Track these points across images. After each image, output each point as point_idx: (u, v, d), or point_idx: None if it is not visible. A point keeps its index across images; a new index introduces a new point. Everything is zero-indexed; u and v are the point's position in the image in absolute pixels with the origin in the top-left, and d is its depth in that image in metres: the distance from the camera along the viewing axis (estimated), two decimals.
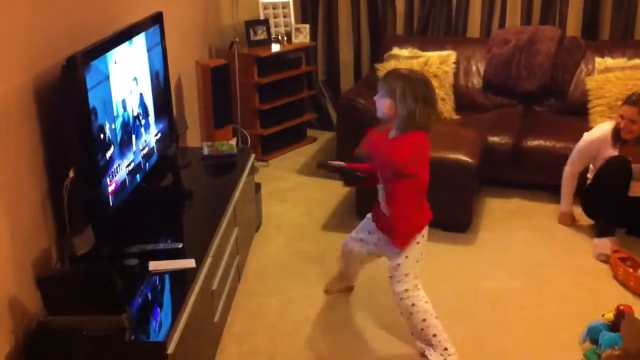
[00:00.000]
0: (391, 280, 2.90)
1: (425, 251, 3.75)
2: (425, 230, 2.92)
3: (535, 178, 4.39)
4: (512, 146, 4.40)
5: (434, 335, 2.85)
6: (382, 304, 3.31)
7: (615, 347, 2.77)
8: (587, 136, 4.00)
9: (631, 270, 3.42)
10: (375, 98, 2.79)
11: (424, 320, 2.84)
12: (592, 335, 2.94)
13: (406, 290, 2.85)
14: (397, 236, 2.87)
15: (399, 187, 2.81)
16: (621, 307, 2.92)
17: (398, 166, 2.73)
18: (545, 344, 3.01)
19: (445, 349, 2.85)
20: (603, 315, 2.99)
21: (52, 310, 2.33)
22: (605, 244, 3.75)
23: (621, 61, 4.63)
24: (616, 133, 3.84)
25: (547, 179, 4.26)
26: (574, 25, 5.07)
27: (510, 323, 3.17)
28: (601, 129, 3.96)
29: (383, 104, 2.73)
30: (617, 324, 2.87)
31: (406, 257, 2.86)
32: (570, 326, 3.09)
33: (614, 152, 3.84)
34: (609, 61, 4.65)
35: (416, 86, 2.69)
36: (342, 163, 3.11)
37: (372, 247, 3.06)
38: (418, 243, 2.88)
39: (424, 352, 2.91)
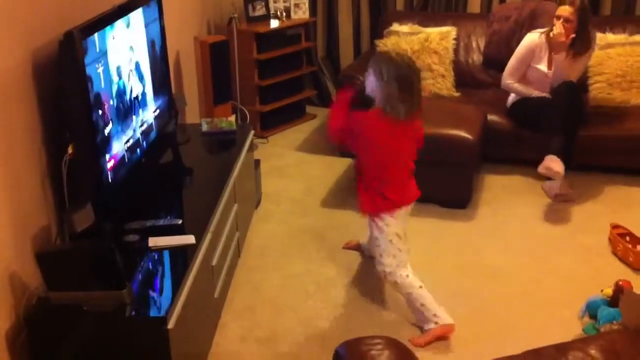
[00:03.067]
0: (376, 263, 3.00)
1: (425, 226, 3.78)
2: (407, 209, 2.95)
3: (535, 155, 4.37)
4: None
5: (422, 305, 2.91)
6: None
7: (614, 322, 2.78)
8: (526, 43, 4.33)
9: (630, 246, 3.42)
10: (365, 76, 2.89)
11: (410, 293, 2.92)
12: (591, 310, 2.95)
13: (383, 271, 2.94)
14: (360, 202, 2.97)
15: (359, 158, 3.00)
16: (620, 283, 2.93)
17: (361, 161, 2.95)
18: (544, 319, 3.02)
19: (435, 314, 2.90)
20: (602, 291, 3.00)
21: (52, 286, 2.33)
22: (553, 186, 4.05)
23: (622, 37, 4.60)
24: (550, 36, 4.19)
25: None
26: None
27: (510, 298, 3.18)
28: (535, 36, 4.31)
29: (369, 83, 2.83)
30: (616, 299, 2.88)
31: (381, 231, 2.91)
32: (569, 301, 3.10)
33: (545, 59, 4.24)
34: (610, 37, 4.62)
35: (400, 71, 2.76)
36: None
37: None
38: (393, 217, 2.90)
39: (423, 327, 2.95)
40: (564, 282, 3.30)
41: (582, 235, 3.72)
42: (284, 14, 5.28)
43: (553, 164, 3.85)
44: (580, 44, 4.15)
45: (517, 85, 4.36)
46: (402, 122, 2.79)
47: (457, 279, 3.34)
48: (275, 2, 5.30)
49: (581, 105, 4.23)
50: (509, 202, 4.11)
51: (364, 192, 2.94)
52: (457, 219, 3.90)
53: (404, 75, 2.76)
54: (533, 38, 4.31)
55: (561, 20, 4.08)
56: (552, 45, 4.19)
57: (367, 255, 3.49)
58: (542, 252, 3.56)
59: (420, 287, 2.92)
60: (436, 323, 2.89)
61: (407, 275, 2.92)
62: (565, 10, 4.07)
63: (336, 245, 3.63)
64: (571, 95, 4.11)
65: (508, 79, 4.40)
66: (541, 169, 3.91)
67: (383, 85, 2.75)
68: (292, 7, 5.33)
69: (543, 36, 4.26)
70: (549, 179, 4.09)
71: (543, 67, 4.26)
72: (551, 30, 4.16)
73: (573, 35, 4.09)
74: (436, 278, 3.33)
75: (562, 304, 3.12)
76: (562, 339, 2.38)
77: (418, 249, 3.54)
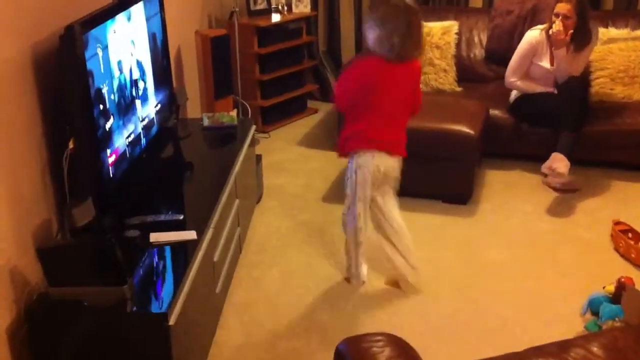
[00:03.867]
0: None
1: (426, 222, 3.78)
2: (382, 157, 2.99)
3: (536, 150, 4.37)
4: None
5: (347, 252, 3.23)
6: (383, 274, 3.31)
7: (616, 318, 2.78)
8: (526, 40, 4.33)
9: (632, 242, 3.41)
10: (364, 28, 2.94)
11: (347, 244, 3.22)
12: (593, 307, 2.95)
13: (343, 213, 3.17)
14: (338, 141, 3.10)
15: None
16: (622, 279, 2.93)
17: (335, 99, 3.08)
18: (546, 316, 3.02)
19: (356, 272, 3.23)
20: (604, 287, 3.00)
21: (53, 281, 2.33)
22: (555, 180, 4.07)
23: (624, 32, 4.58)
24: (549, 33, 4.18)
25: (548, 151, 4.24)
26: None
27: (511, 294, 3.18)
28: (535, 33, 4.31)
29: (370, 36, 2.87)
30: (618, 296, 2.88)
31: (349, 177, 3.04)
32: (571, 298, 3.10)
33: (547, 56, 4.24)
34: (612, 31, 4.60)
35: (400, 16, 2.80)
36: None
37: None
38: (360, 156, 3.00)
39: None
40: (565, 278, 3.30)
41: (583, 231, 3.71)
42: (286, 7, 5.27)
43: (558, 164, 3.86)
44: (581, 38, 4.16)
45: (520, 83, 4.36)
46: (399, 66, 2.87)
47: (458, 275, 3.33)
48: None
49: (588, 101, 4.25)
50: (510, 198, 4.10)
51: (342, 134, 3.07)
52: (458, 214, 3.89)
53: (402, 19, 2.80)
54: (534, 35, 4.30)
55: (560, 17, 4.08)
56: (552, 42, 4.18)
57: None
58: (543, 248, 3.56)
59: (361, 242, 3.14)
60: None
61: (360, 230, 3.12)
62: (563, 7, 4.08)
63: (336, 240, 3.62)
64: (581, 90, 4.14)
65: (511, 77, 4.38)
66: (544, 169, 3.92)
67: (383, 34, 2.80)
68: (293, 1, 5.32)
69: (543, 33, 4.25)
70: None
71: (545, 63, 4.25)
72: (550, 27, 4.15)
73: (571, 31, 4.09)
74: (437, 274, 3.33)
75: (563, 300, 3.11)
76: (564, 335, 2.37)
77: (419, 245, 3.53)
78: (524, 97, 4.35)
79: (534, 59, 4.30)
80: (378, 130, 2.97)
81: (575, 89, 4.14)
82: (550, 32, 4.13)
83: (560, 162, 3.86)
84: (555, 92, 4.24)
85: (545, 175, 4.11)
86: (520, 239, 3.66)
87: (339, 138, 3.09)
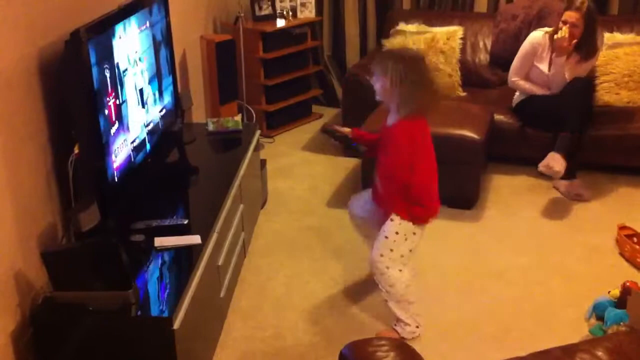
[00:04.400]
0: (373, 249, 2.84)
1: (432, 227, 3.76)
2: (423, 227, 2.85)
3: (542, 154, 4.36)
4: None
5: (398, 302, 2.82)
6: None
7: (621, 323, 2.77)
8: (529, 41, 4.33)
9: (638, 247, 3.40)
10: (372, 81, 2.76)
11: (392, 285, 2.79)
12: (598, 311, 2.94)
13: (381, 255, 2.78)
14: (391, 205, 2.78)
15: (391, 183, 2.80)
16: (627, 284, 2.92)
17: (398, 179, 2.74)
18: (550, 320, 3.01)
19: (403, 321, 2.85)
20: (609, 292, 3.00)
21: (58, 285, 2.33)
22: (566, 183, 4.11)
23: (630, 37, 4.58)
24: (553, 38, 4.16)
25: None
26: None
27: (516, 299, 3.17)
28: (539, 34, 4.31)
29: (380, 87, 2.71)
30: (623, 300, 2.87)
31: (396, 232, 2.76)
32: (576, 302, 3.09)
33: (547, 60, 4.23)
34: (618, 36, 4.60)
35: (411, 65, 2.66)
36: (347, 130, 3.04)
37: (369, 215, 2.98)
38: (414, 234, 2.80)
39: (395, 324, 2.89)
40: (570, 283, 3.29)
41: (588, 235, 3.70)
42: (290, 13, 5.27)
43: (554, 162, 3.86)
44: (586, 49, 4.16)
45: (522, 83, 4.36)
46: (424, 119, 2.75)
47: (462, 279, 3.33)
48: (281, 1, 5.30)
49: (593, 103, 4.28)
50: (515, 203, 4.09)
51: (397, 201, 2.78)
52: (464, 219, 3.89)
53: (417, 69, 2.67)
54: (536, 36, 4.32)
55: (568, 25, 4.07)
56: (553, 47, 4.18)
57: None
58: (548, 253, 3.55)
59: (407, 286, 2.81)
60: (402, 329, 2.86)
61: (400, 270, 2.79)
62: (572, 15, 4.06)
63: (341, 245, 3.63)
64: (586, 91, 4.16)
65: (514, 76, 4.39)
66: (541, 167, 3.92)
67: (403, 86, 2.63)
68: (298, 6, 5.32)
69: (547, 36, 4.25)
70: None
71: (544, 67, 4.26)
72: (555, 32, 4.15)
73: (575, 41, 4.08)
74: (442, 278, 3.33)
75: (568, 305, 3.10)
76: (569, 340, 2.37)
77: (424, 250, 3.53)
78: (527, 99, 4.35)
79: (535, 60, 4.31)
80: (429, 194, 2.89)
81: (580, 89, 4.14)
82: (555, 37, 4.12)
83: (557, 161, 3.87)
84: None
85: (551, 179, 4.11)
86: (525, 243, 3.65)
87: (418, 204, 2.81)
